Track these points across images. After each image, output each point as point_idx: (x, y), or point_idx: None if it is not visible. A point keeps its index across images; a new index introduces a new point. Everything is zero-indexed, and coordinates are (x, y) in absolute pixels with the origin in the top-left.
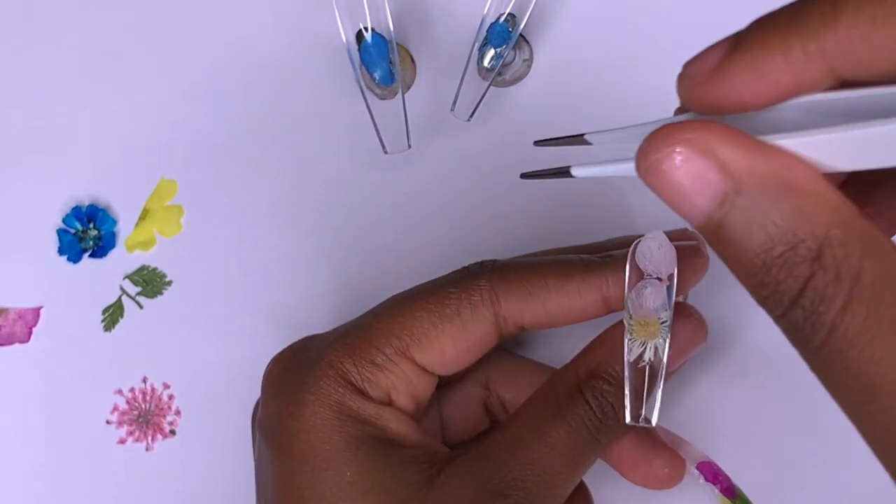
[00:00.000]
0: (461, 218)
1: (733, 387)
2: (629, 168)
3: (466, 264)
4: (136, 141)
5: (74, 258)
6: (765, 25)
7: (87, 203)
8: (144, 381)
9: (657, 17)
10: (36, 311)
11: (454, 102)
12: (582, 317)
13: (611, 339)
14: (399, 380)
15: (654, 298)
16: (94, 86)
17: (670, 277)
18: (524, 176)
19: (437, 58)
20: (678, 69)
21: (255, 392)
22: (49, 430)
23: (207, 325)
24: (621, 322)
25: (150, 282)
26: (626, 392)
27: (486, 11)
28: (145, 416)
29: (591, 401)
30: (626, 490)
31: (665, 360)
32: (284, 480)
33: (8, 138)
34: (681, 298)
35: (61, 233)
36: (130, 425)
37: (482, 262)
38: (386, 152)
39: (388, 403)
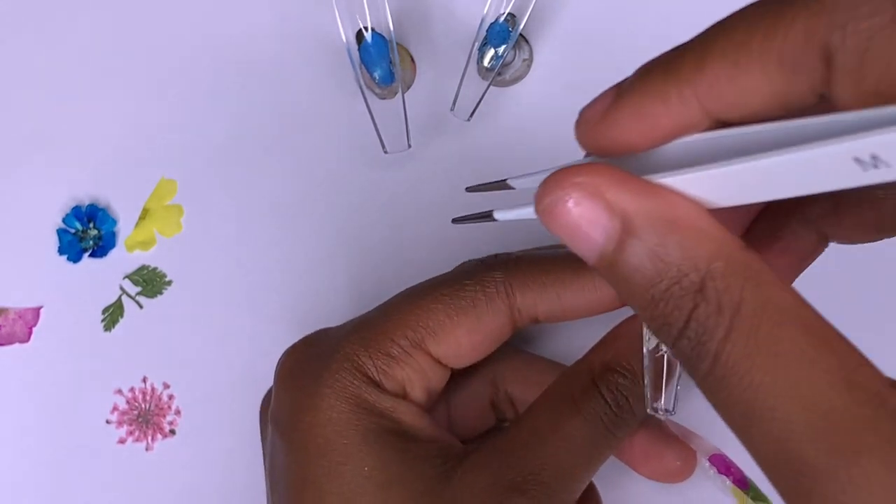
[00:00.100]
0: None
1: None
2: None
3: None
4: (136, 141)
5: (74, 258)
6: (646, 72)
7: (87, 203)
8: (144, 380)
9: (657, 18)
10: (36, 311)
11: (454, 102)
12: (597, 310)
13: (625, 332)
14: (414, 372)
15: None
16: (95, 86)
17: None
18: (455, 221)
19: (437, 57)
20: None
21: (256, 392)
22: (49, 429)
23: (207, 324)
24: (635, 316)
25: (150, 281)
26: (646, 382)
27: (485, 11)
28: (145, 416)
29: (606, 394)
30: (634, 488)
31: None
32: (300, 476)
33: (8, 138)
34: None
35: (61, 232)
36: (130, 425)
37: (497, 255)
38: (386, 152)
39: (403, 396)
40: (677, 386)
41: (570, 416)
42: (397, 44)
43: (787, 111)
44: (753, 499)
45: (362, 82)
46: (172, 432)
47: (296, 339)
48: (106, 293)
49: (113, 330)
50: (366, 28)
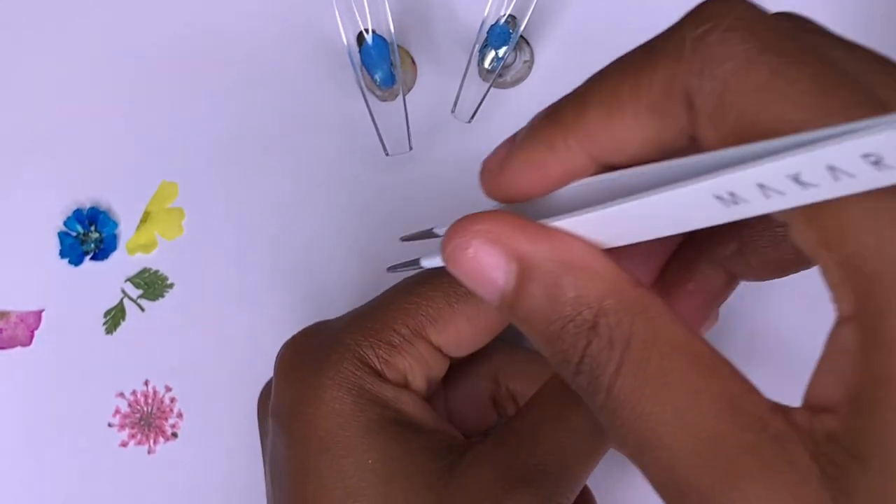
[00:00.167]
0: None
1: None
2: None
3: None
4: (137, 144)
5: (76, 261)
6: (536, 123)
7: (88, 206)
8: (146, 383)
9: (657, 18)
10: (37, 314)
11: (455, 104)
12: None
13: None
14: (415, 361)
15: None
16: (96, 89)
17: None
18: (389, 269)
19: (438, 59)
20: None
21: (257, 394)
22: (51, 433)
23: (209, 327)
24: None
25: (151, 284)
26: None
27: (486, 13)
28: (147, 419)
29: None
30: (631, 491)
31: None
32: (302, 469)
33: (9, 141)
34: None
35: (63, 235)
36: (132, 428)
37: None
38: (387, 154)
39: (405, 385)
40: None
41: (574, 407)
42: (398, 46)
43: (664, 153)
44: None
45: (363, 84)
46: (174, 435)
47: None
48: (107, 296)
49: (114, 333)
50: (367, 30)
